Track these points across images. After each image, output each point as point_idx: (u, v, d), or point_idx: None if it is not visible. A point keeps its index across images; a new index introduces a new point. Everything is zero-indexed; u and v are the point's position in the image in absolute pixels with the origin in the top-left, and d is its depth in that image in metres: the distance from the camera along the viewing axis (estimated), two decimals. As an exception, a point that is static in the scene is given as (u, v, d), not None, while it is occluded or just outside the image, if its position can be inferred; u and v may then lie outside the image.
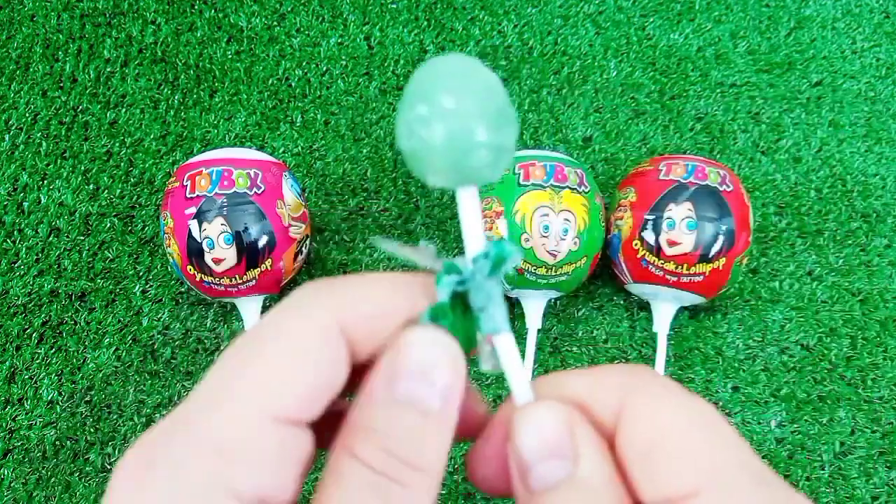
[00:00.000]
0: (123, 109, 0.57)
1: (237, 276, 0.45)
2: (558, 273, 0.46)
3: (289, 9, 0.61)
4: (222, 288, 0.45)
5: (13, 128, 0.57)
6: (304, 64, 0.59)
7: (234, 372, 0.16)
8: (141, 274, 0.52)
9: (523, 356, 0.49)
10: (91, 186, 0.55)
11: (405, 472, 0.15)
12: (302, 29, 0.60)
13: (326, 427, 0.17)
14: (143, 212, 0.54)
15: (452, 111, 0.16)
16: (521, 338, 0.50)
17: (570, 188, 0.46)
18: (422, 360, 0.16)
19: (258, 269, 0.45)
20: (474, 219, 0.17)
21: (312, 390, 0.16)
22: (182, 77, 0.59)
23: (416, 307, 0.17)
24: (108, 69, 0.59)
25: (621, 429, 0.16)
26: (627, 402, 0.17)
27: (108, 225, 0.54)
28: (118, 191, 0.55)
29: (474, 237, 0.17)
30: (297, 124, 0.57)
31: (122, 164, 0.56)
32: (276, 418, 0.15)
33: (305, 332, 0.16)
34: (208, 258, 0.44)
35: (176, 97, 0.58)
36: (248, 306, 0.48)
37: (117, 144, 0.56)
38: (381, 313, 0.17)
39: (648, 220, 0.46)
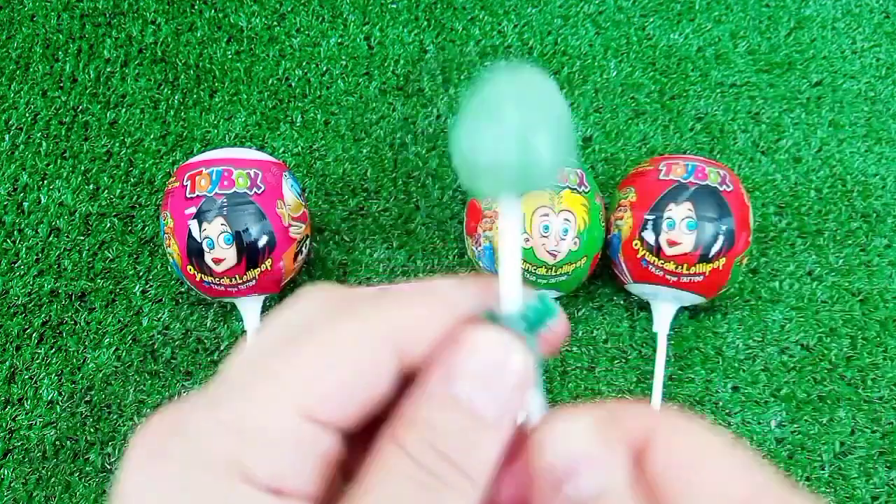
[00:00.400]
0: (123, 109, 0.57)
1: (237, 276, 0.45)
2: (558, 273, 0.46)
3: (289, 9, 0.61)
4: (222, 288, 0.45)
5: (13, 128, 0.57)
6: (304, 64, 0.59)
7: (274, 359, 0.15)
8: (141, 274, 0.52)
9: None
10: (91, 186, 0.55)
11: (452, 474, 0.15)
12: (302, 29, 0.60)
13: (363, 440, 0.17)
14: (143, 212, 0.54)
15: (532, 127, 0.16)
16: (521, 338, 0.50)
17: (570, 188, 0.46)
18: (486, 363, 0.15)
19: (258, 269, 0.45)
20: (515, 258, 0.17)
21: (349, 397, 0.15)
22: (182, 77, 0.59)
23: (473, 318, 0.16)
24: (108, 69, 0.59)
25: (652, 451, 0.16)
26: (655, 427, 0.16)
27: (108, 225, 0.54)
28: (118, 191, 0.55)
29: (511, 290, 0.17)
30: (297, 124, 0.57)
31: (122, 164, 0.56)
32: (305, 415, 0.15)
33: (358, 339, 0.15)
34: (208, 258, 0.44)
35: (176, 97, 0.58)
36: (248, 306, 0.48)
37: (117, 144, 0.56)
38: (438, 330, 0.16)
39: (648, 220, 0.46)
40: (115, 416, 0.49)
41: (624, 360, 0.50)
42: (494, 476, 0.15)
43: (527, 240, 0.45)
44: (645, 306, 0.51)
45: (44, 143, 0.56)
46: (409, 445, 0.15)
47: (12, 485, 0.47)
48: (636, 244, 0.46)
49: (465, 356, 0.15)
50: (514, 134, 0.16)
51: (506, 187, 0.16)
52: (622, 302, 0.52)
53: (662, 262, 0.45)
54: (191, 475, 0.14)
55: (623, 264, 0.48)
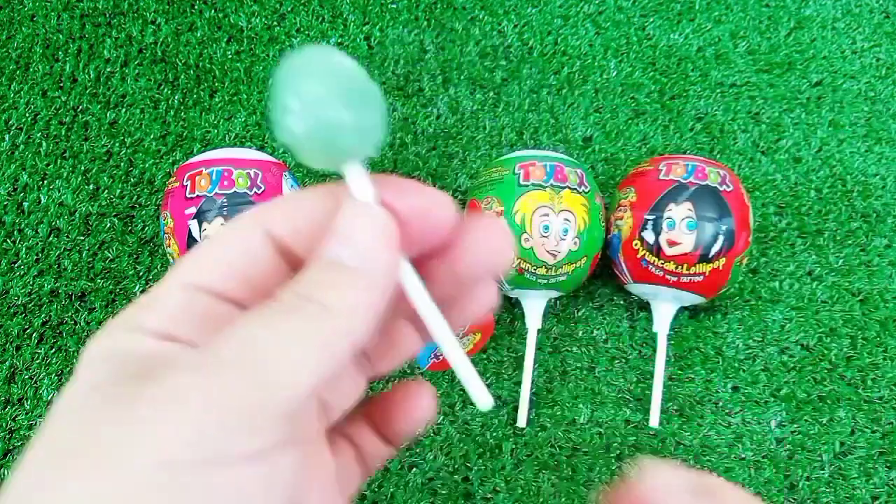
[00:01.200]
0: (123, 109, 0.57)
1: (237, 276, 0.45)
2: (558, 273, 0.46)
3: (289, 9, 0.61)
4: (222, 288, 0.45)
5: (13, 128, 0.57)
6: (304, 64, 0.59)
7: (176, 262, 0.20)
8: (141, 274, 0.52)
9: (523, 356, 0.49)
10: (91, 186, 0.55)
11: (306, 305, 0.17)
12: (302, 29, 0.60)
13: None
14: (143, 212, 0.54)
15: (310, 102, 0.17)
16: (521, 338, 0.50)
17: (570, 188, 0.46)
18: (345, 224, 0.18)
19: (258, 269, 0.45)
20: (366, 193, 0.19)
21: (224, 267, 0.19)
22: (182, 77, 0.59)
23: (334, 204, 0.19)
24: (108, 69, 0.59)
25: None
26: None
27: (108, 225, 0.54)
28: (118, 191, 0.55)
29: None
30: (297, 124, 0.57)
31: (122, 164, 0.56)
32: (189, 284, 0.18)
33: (223, 235, 0.19)
34: (208, 258, 0.44)
35: (176, 97, 0.58)
36: (248, 306, 0.48)
37: (117, 144, 0.56)
38: (304, 213, 0.19)
39: (648, 220, 0.46)
40: (115, 416, 0.49)
41: (624, 360, 0.50)
42: (374, 320, 0.18)
43: (527, 240, 0.45)
44: (645, 306, 0.51)
45: (44, 143, 0.56)
46: (278, 295, 0.17)
47: (12, 485, 0.47)
48: (636, 244, 0.46)
49: (334, 223, 0.18)
50: (299, 108, 0.17)
51: (318, 158, 0.18)
52: (622, 302, 0.52)
53: (662, 262, 0.45)
54: (104, 335, 0.18)
55: (623, 264, 0.48)
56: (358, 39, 0.60)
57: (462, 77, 0.59)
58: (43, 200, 0.55)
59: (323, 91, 0.17)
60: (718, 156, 0.56)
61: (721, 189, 0.45)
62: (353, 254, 0.17)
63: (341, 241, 0.18)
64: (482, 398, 0.19)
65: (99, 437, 0.15)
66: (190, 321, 0.18)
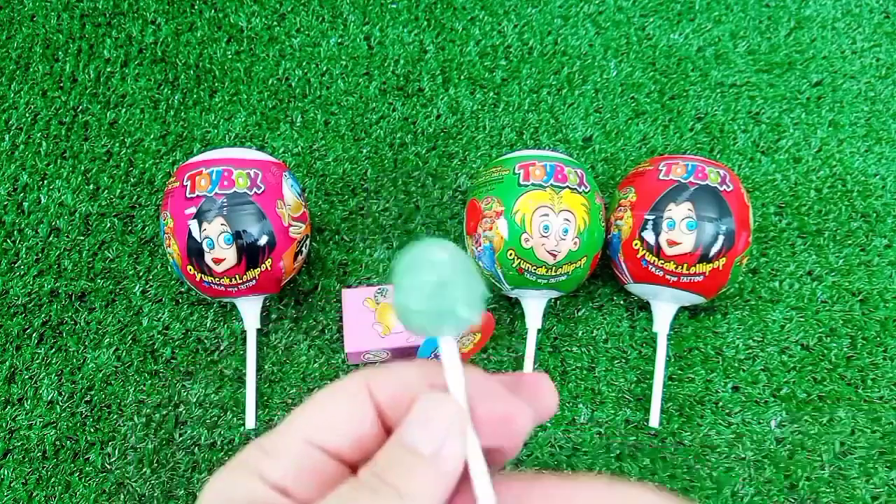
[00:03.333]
0: (123, 109, 0.57)
1: (237, 275, 0.45)
2: (558, 273, 0.46)
3: (289, 9, 0.61)
4: (222, 288, 0.45)
5: (13, 128, 0.57)
6: (304, 64, 0.59)
7: (295, 412, 0.22)
8: (141, 274, 0.52)
9: (523, 356, 0.49)
10: (91, 186, 0.55)
11: (382, 488, 0.19)
12: (302, 29, 0.60)
13: None
14: (143, 212, 0.54)
15: (452, 294, 0.21)
16: (521, 338, 0.50)
17: (570, 188, 0.46)
18: (422, 412, 0.20)
19: (258, 268, 0.45)
20: (456, 370, 0.21)
21: (336, 430, 0.21)
22: (182, 77, 0.59)
23: (430, 382, 0.21)
24: (108, 69, 0.59)
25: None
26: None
27: (108, 225, 0.54)
28: (118, 191, 0.55)
29: (456, 385, 0.21)
30: (297, 124, 0.57)
31: (122, 164, 0.56)
32: (307, 441, 0.21)
33: (336, 394, 0.21)
34: (208, 258, 0.44)
35: (176, 97, 0.58)
36: (248, 306, 0.48)
37: (117, 144, 0.56)
38: (403, 384, 0.21)
39: (648, 220, 0.46)
40: (115, 416, 0.49)
41: (624, 360, 0.50)
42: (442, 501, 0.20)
43: (527, 240, 0.45)
44: (645, 306, 0.51)
45: (44, 143, 0.56)
46: (358, 473, 0.20)
47: (12, 485, 0.47)
48: (636, 244, 0.46)
49: (411, 410, 0.20)
50: (434, 288, 0.21)
51: (431, 328, 0.21)
52: (622, 302, 0.52)
53: (662, 262, 0.45)
54: (228, 476, 0.20)
55: (623, 264, 0.48)
56: (358, 39, 0.60)
57: (462, 77, 0.59)
58: (43, 200, 0.55)
59: (435, 278, 0.21)
60: (718, 156, 0.56)
61: (721, 189, 0.45)
62: (428, 441, 0.20)
63: (417, 427, 0.20)
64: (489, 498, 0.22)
65: None
66: (304, 479, 0.20)
